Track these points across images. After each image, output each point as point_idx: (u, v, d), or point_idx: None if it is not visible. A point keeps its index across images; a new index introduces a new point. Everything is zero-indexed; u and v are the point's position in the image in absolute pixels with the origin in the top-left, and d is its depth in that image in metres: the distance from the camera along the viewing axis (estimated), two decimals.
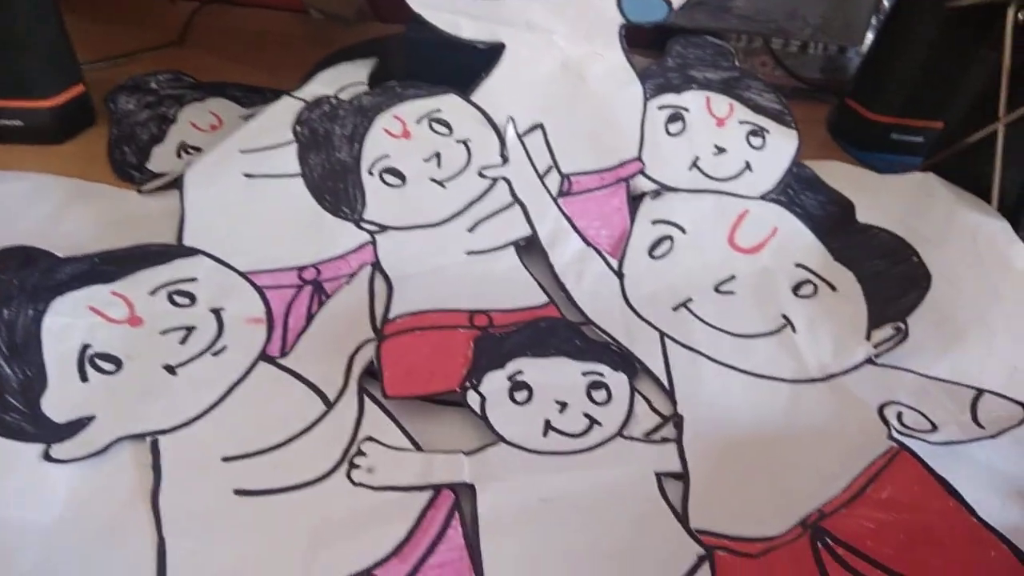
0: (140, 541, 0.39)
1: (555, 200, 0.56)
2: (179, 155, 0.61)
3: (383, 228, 0.54)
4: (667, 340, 0.51)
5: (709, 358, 0.50)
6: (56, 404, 0.42)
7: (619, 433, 0.45)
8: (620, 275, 0.54)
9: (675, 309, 0.52)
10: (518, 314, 0.51)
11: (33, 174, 0.59)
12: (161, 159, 0.61)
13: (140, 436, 0.43)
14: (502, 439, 0.44)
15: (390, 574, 0.39)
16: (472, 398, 0.45)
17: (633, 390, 0.47)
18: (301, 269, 0.52)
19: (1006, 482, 0.44)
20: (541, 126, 0.58)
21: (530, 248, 0.55)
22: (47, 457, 0.41)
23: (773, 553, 0.41)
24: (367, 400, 0.45)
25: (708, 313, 0.52)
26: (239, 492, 0.41)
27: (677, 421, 0.46)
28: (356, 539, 0.40)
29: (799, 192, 0.58)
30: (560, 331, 0.50)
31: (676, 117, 0.59)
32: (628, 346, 0.50)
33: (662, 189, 0.57)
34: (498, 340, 0.48)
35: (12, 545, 0.38)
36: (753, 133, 0.59)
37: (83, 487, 0.41)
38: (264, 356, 0.47)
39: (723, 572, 0.40)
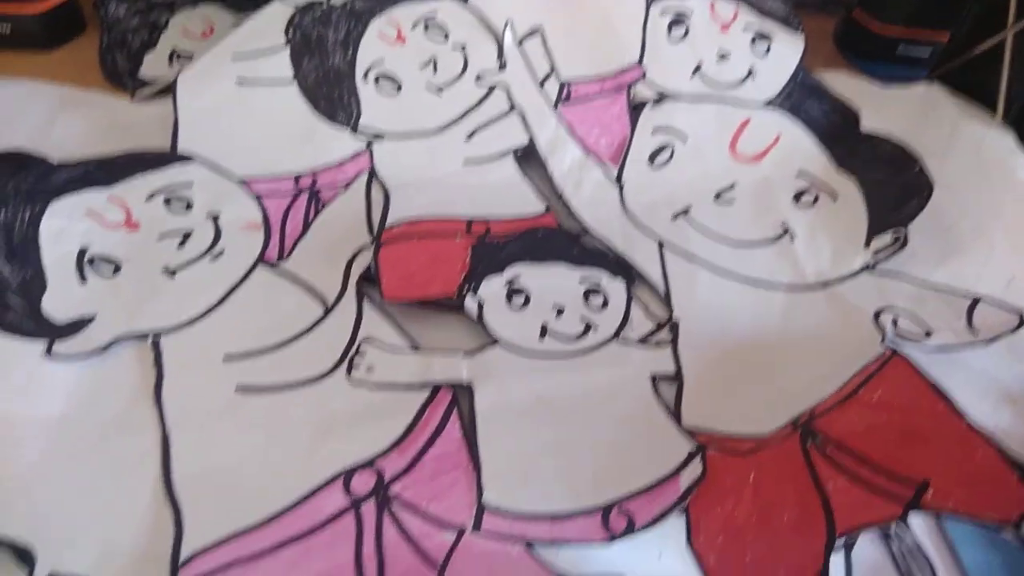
0: (144, 435, 0.40)
1: (554, 107, 0.55)
2: (171, 62, 0.60)
3: (379, 136, 0.54)
4: (665, 248, 0.51)
5: (707, 265, 0.50)
6: (56, 304, 0.43)
7: (615, 337, 0.46)
8: (619, 184, 0.54)
9: (674, 218, 0.52)
10: (516, 223, 0.51)
11: (25, 80, 0.58)
12: (153, 66, 0.59)
13: (141, 336, 0.43)
14: (499, 342, 0.45)
15: (390, 465, 0.40)
16: (470, 303, 0.46)
17: (630, 296, 0.48)
18: (297, 177, 0.51)
19: (997, 388, 0.45)
20: (540, 30, 0.57)
21: (528, 156, 0.55)
22: (49, 354, 0.41)
23: (763, 451, 0.42)
24: (366, 303, 0.46)
25: (707, 221, 0.52)
26: (241, 389, 0.42)
27: (673, 326, 0.47)
28: (357, 433, 0.41)
29: (803, 99, 0.57)
30: (558, 239, 0.50)
31: (679, 22, 0.57)
32: (626, 254, 0.50)
33: (663, 96, 0.56)
34: (496, 247, 0.48)
35: (17, 437, 0.39)
36: (758, 38, 0.58)
37: (86, 384, 0.41)
38: (262, 261, 0.47)
39: (713, 468, 0.41)
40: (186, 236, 0.47)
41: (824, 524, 0.39)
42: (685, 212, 0.53)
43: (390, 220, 0.50)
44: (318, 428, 0.41)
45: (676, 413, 0.43)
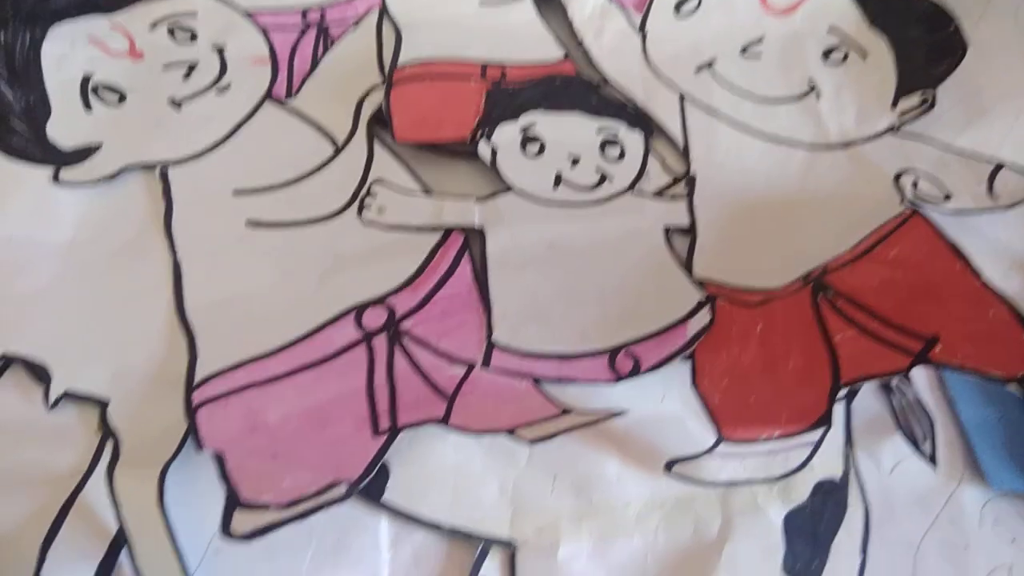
0: (155, 263, 0.40)
1: None
2: None
3: None
4: (686, 101, 0.49)
5: (728, 120, 0.48)
6: (61, 130, 0.42)
7: (630, 188, 0.45)
8: (642, 32, 0.52)
9: (697, 70, 0.50)
10: (533, 69, 0.49)
11: None
12: None
13: (149, 167, 0.42)
14: (512, 188, 0.44)
15: (402, 303, 0.40)
16: (483, 148, 0.45)
17: (647, 149, 0.46)
18: (305, 11, 0.49)
19: (1011, 254, 0.44)
20: None
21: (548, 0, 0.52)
22: (56, 180, 0.41)
23: (772, 303, 0.42)
24: (377, 145, 0.45)
25: (732, 75, 0.50)
26: (251, 223, 0.41)
27: (690, 179, 0.46)
28: (368, 271, 0.41)
29: None
30: (576, 87, 0.48)
31: None
32: (645, 106, 0.48)
33: None
34: (511, 92, 0.47)
35: (27, 260, 0.40)
36: None
37: (94, 212, 0.41)
38: (270, 97, 0.46)
39: (721, 316, 0.41)
40: (191, 68, 0.45)
41: (829, 372, 0.39)
42: (709, 65, 0.50)
43: (402, 60, 0.48)
44: (329, 264, 0.41)
45: (688, 264, 0.43)
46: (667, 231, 0.44)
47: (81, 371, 0.37)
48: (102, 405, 0.37)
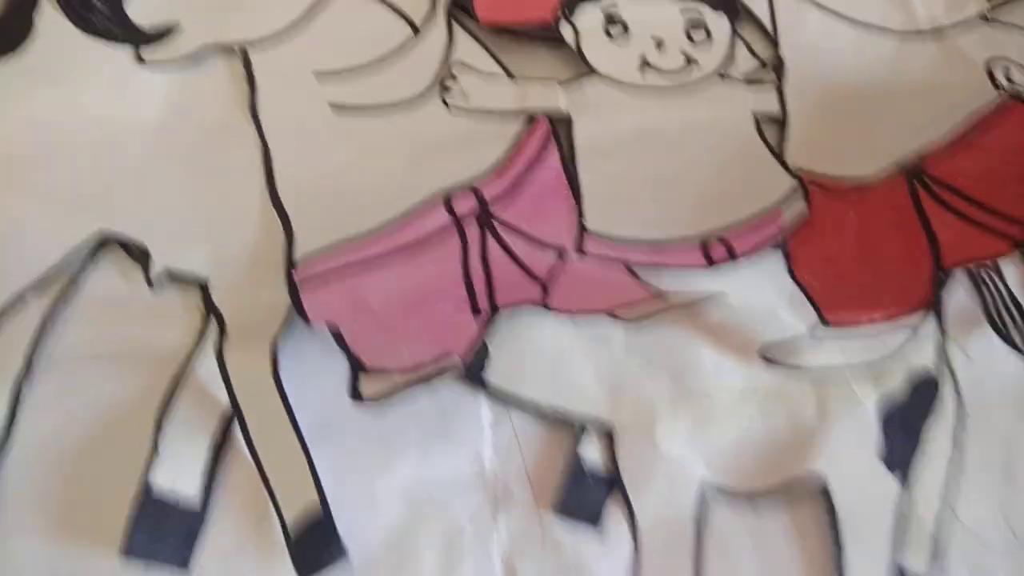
0: (243, 146, 0.40)
1: None
2: None
3: None
4: None
5: (818, 4, 0.46)
6: (140, 8, 0.41)
7: (718, 73, 0.44)
8: None
9: None
10: None
11: None
12: None
13: (229, 48, 0.41)
14: (597, 73, 0.43)
15: (490, 188, 0.39)
16: (565, 30, 0.43)
17: (734, 32, 0.45)
18: None
19: None
20: None
21: None
22: (138, 59, 0.40)
23: (867, 190, 0.41)
24: (456, 28, 0.43)
25: None
26: (335, 106, 0.41)
27: (778, 65, 0.44)
28: (454, 157, 0.40)
29: None
30: None
31: None
32: None
33: None
34: None
35: (116, 139, 0.39)
36: None
37: (180, 92, 0.41)
38: None
39: (816, 205, 0.40)
40: None
41: (930, 257, 0.39)
42: None
43: None
44: (415, 149, 0.41)
45: (779, 151, 0.42)
46: (756, 118, 0.43)
47: (179, 250, 0.37)
48: (203, 285, 0.37)
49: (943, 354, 0.39)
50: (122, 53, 0.40)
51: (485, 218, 0.39)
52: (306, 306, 0.37)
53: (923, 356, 0.39)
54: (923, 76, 0.45)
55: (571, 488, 0.36)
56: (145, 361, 0.36)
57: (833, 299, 0.39)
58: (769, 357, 0.38)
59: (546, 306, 0.38)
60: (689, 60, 0.43)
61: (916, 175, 0.41)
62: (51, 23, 0.40)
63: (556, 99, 0.42)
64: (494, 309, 0.38)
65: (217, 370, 0.36)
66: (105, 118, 0.39)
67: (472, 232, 0.39)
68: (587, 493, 0.36)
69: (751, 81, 0.44)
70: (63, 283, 0.37)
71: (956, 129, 0.42)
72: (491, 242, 0.39)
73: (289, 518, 0.34)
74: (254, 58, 0.41)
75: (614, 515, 0.36)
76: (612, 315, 0.38)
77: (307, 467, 0.34)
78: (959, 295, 0.40)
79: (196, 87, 0.41)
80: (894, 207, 0.40)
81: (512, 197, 0.40)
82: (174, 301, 0.37)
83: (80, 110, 0.39)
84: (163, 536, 0.34)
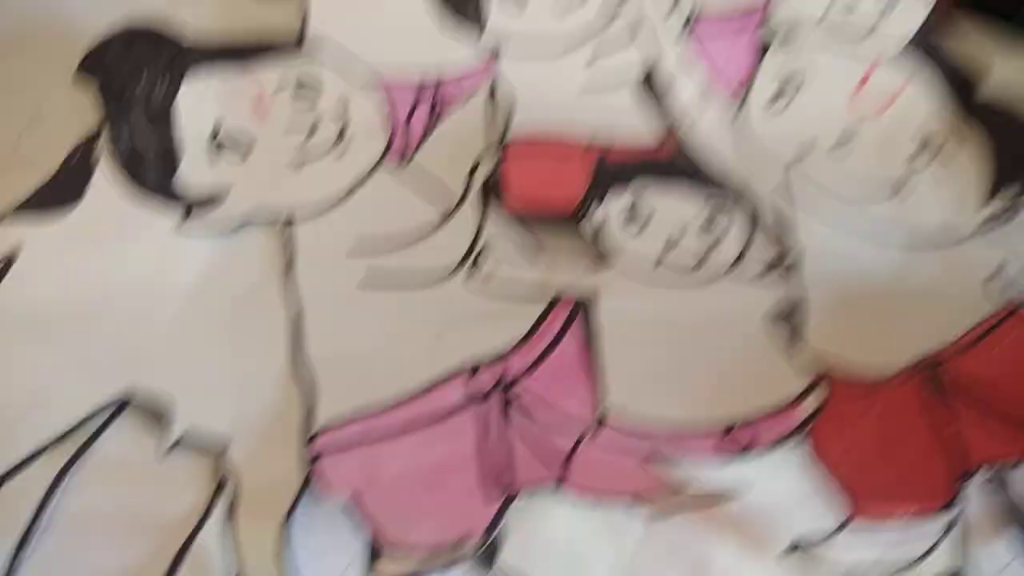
0: (274, 314, 0.41)
1: (679, 38, 0.55)
2: None
3: (500, 52, 0.53)
4: (783, 189, 0.50)
5: (824, 211, 0.49)
6: (190, 178, 0.43)
7: (732, 269, 0.45)
8: (739, 121, 0.53)
9: (792, 161, 0.52)
10: (635, 150, 0.50)
11: None
12: None
13: (270, 222, 0.43)
14: (617, 262, 0.45)
15: (513, 366, 0.40)
16: (587, 224, 0.46)
17: (748, 230, 0.47)
18: (421, 84, 0.51)
19: None
20: None
21: (648, 87, 0.54)
22: (184, 223, 0.42)
23: (886, 386, 0.42)
24: (488, 212, 0.46)
25: (826, 169, 0.51)
26: (367, 282, 0.42)
27: (789, 263, 0.46)
28: (479, 333, 0.41)
29: (928, 56, 0.56)
30: (676, 168, 0.49)
31: None
32: (744, 190, 0.49)
33: (789, 40, 0.55)
34: (615, 169, 0.48)
35: (152, 300, 0.40)
36: None
37: (217, 259, 0.42)
38: (385, 161, 0.47)
39: (835, 398, 0.41)
40: (312, 129, 0.47)
41: (950, 458, 0.39)
42: (803, 157, 0.52)
43: (511, 135, 0.49)
44: (441, 325, 0.42)
45: (800, 337, 0.43)
46: (770, 312, 0.44)
47: (202, 411, 0.37)
48: (217, 451, 0.37)
49: (968, 554, 0.38)
50: (166, 221, 0.42)
51: (505, 395, 0.40)
52: (321, 478, 0.36)
53: (948, 556, 0.38)
54: (929, 283, 0.47)
55: None
56: (151, 528, 0.35)
57: (859, 491, 0.38)
58: (800, 553, 0.37)
59: (563, 489, 0.38)
60: (706, 255, 0.46)
61: (933, 375, 0.42)
62: (102, 186, 0.42)
63: (578, 285, 0.43)
64: (512, 491, 0.37)
65: (225, 538, 0.34)
66: (143, 281, 0.41)
67: (492, 409, 0.39)
68: None
69: (763, 276, 0.46)
70: (79, 442, 0.37)
71: (968, 333, 0.43)
72: (510, 420, 0.39)
73: None
74: (293, 231, 0.43)
75: None
76: (633, 502, 0.38)
77: None
78: (982, 498, 0.39)
79: (234, 256, 0.42)
80: (913, 405, 0.41)
81: (534, 375, 0.40)
82: (186, 469, 0.37)
83: (120, 272, 0.41)
84: None
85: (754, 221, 0.47)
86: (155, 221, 0.42)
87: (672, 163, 0.50)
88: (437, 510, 0.37)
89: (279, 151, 0.46)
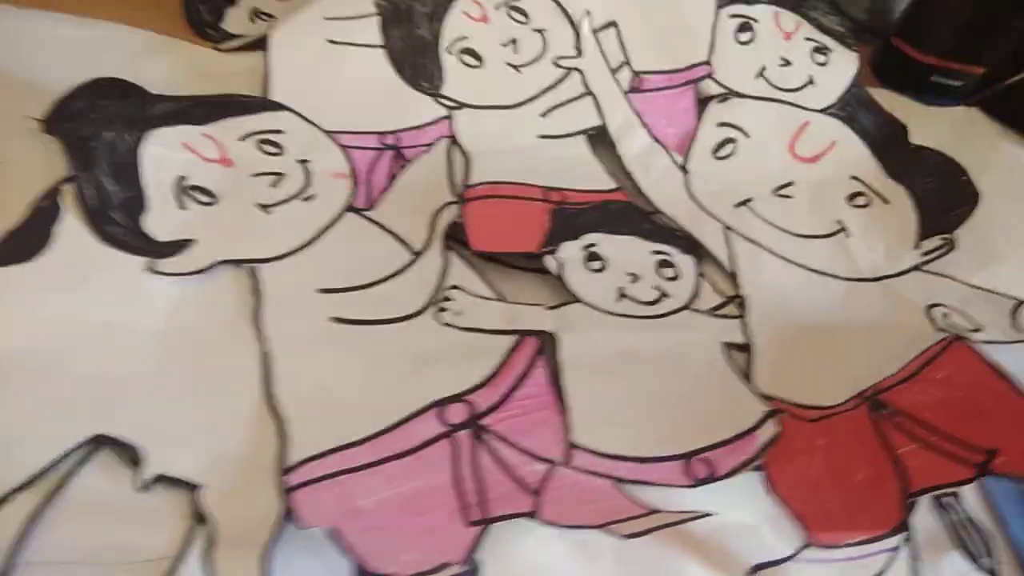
0: (245, 354, 0.41)
1: (625, 95, 0.58)
2: (252, 20, 0.61)
3: (460, 105, 0.55)
4: (730, 232, 0.53)
5: (769, 251, 0.52)
6: (158, 224, 0.44)
7: (687, 306, 0.48)
8: (685, 171, 0.56)
9: (736, 206, 0.55)
10: (590, 195, 0.53)
11: (104, 22, 0.58)
12: (235, 21, 0.61)
13: (239, 264, 0.44)
14: (579, 300, 0.47)
15: (481, 400, 0.41)
16: (550, 262, 0.47)
17: (699, 272, 0.50)
18: (382, 135, 0.53)
19: None
20: (615, 24, 0.59)
21: (600, 138, 0.57)
22: (151, 269, 0.42)
23: (832, 419, 0.44)
24: (452, 255, 0.47)
25: (768, 213, 0.54)
26: (336, 320, 0.43)
27: (741, 301, 0.49)
28: (448, 369, 0.42)
29: (857, 110, 0.60)
30: (631, 214, 0.52)
31: (746, 27, 0.60)
32: (693, 233, 0.52)
33: (729, 94, 0.59)
34: (573, 214, 0.50)
35: (121, 346, 0.40)
36: (817, 51, 0.61)
37: (186, 304, 0.42)
38: (351, 208, 0.48)
39: (787, 429, 0.42)
40: (278, 177, 0.48)
41: (897, 482, 0.41)
42: (747, 202, 0.55)
43: (471, 180, 0.51)
44: (411, 361, 0.43)
45: (749, 378, 0.45)
46: (726, 346, 0.46)
47: (174, 455, 0.37)
48: (192, 490, 0.36)
49: (919, 572, 0.40)
50: (133, 264, 0.42)
51: (476, 428, 0.40)
52: (301, 510, 0.36)
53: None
54: (872, 315, 0.50)
55: None
56: (129, 566, 0.34)
57: (812, 519, 0.40)
58: (760, 569, 0.38)
59: (538, 518, 0.39)
60: (662, 293, 0.48)
61: (876, 405, 0.44)
62: (69, 233, 0.42)
63: (543, 321, 0.45)
64: (487, 520, 0.38)
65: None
66: (111, 325, 0.41)
67: (464, 442, 0.40)
68: None
69: (718, 314, 0.48)
70: (52, 484, 0.36)
71: (907, 364, 0.46)
72: (482, 452, 0.40)
73: None
74: (261, 273, 0.44)
75: None
76: (603, 529, 0.39)
77: None
78: (925, 517, 0.41)
79: (201, 299, 0.43)
80: (859, 434, 0.43)
81: (502, 409, 0.41)
82: (161, 506, 0.36)
83: (88, 316, 0.41)
84: None
85: (702, 267, 0.50)
86: (122, 265, 0.42)
87: (625, 209, 0.52)
88: (417, 539, 0.37)
89: (246, 197, 0.47)
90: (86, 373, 0.39)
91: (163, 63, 0.56)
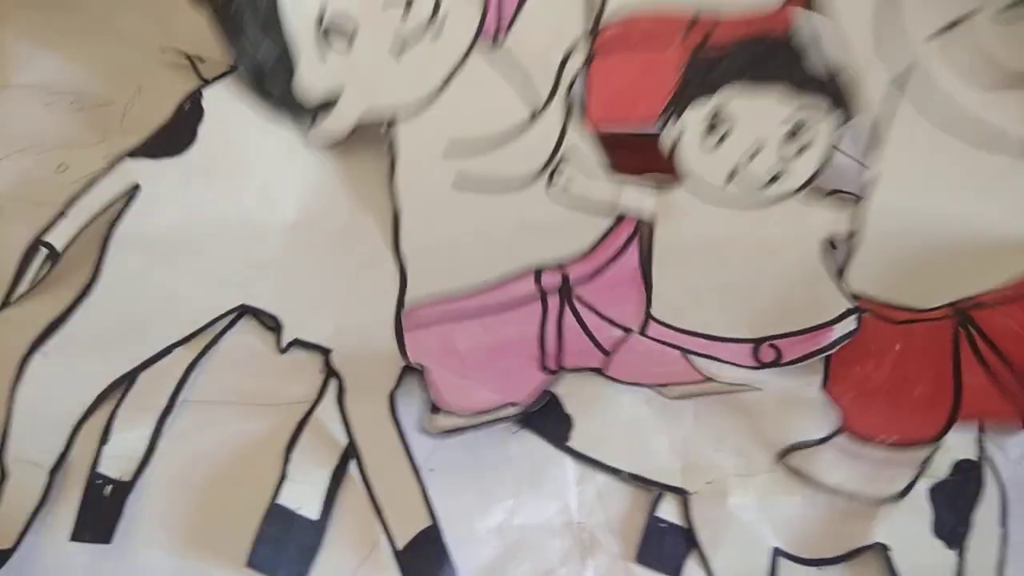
0: (368, 241, 0.48)
1: None
2: None
3: None
4: (898, 86, 0.45)
5: (938, 117, 0.44)
6: (308, 79, 0.47)
7: (803, 187, 0.45)
8: None
9: (932, 35, 0.44)
10: (745, 23, 0.46)
11: None
12: None
13: (377, 118, 0.48)
14: (687, 178, 0.46)
15: (575, 271, 0.47)
16: (666, 134, 0.46)
17: (837, 138, 0.44)
18: None
19: None
20: None
21: None
22: (310, 133, 0.48)
23: (915, 325, 0.45)
24: (571, 118, 0.47)
25: (985, 37, 0.43)
26: (458, 179, 0.47)
27: (867, 184, 0.45)
28: (550, 238, 0.47)
29: None
30: (781, 56, 0.45)
31: None
32: (857, 80, 0.44)
33: None
34: (708, 66, 0.46)
35: (257, 235, 0.48)
36: None
37: (314, 199, 0.49)
38: (478, 41, 0.47)
39: (865, 328, 0.44)
40: (408, 4, 0.47)
41: (950, 406, 0.44)
42: (953, 25, 0.43)
43: (607, 10, 0.47)
44: (517, 227, 0.47)
45: (842, 273, 0.45)
46: (827, 238, 0.45)
47: (307, 324, 0.47)
48: (325, 353, 0.47)
49: (983, 447, 0.45)
50: (270, 156, 0.48)
51: (566, 293, 0.47)
52: (408, 344, 0.47)
53: (965, 449, 0.45)
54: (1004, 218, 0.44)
55: (652, 542, 0.44)
56: (274, 408, 0.45)
57: (856, 417, 0.45)
58: (790, 458, 0.45)
59: (605, 373, 0.47)
60: (777, 175, 0.45)
61: (964, 320, 0.44)
62: (211, 131, 0.47)
63: (645, 202, 0.46)
64: (560, 370, 0.47)
65: (338, 414, 0.45)
66: (250, 219, 0.47)
67: (553, 304, 0.47)
68: (667, 548, 0.44)
69: (833, 197, 0.46)
70: (205, 340, 0.47)
71: (1016, 283, 0.43)
72: (568, 314, 0.47)
73: (402, 542, 0.42)
74: (397, 129, 0.47)
75: (694, 571, 0.43)
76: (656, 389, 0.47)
77: (421, 496, 0.43)
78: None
79: (328, 193, 0.49)
80: (936, 346, 0.44)
81: (593, 281, 0.47)
82: (300, 361, 0.47)
83: (229, 208, 0.47)
84: (285, 549, 0.41)
85: (840, 137, 0.45)
86: (258, 160, 0.48)
87: (777, 47, 0.47)
88: (494, 380, 0.46)
89: (380, 34, 0.47)
90: (230, 256, 0.47)
91: None
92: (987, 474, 0.45)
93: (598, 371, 0.47)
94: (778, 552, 0.44)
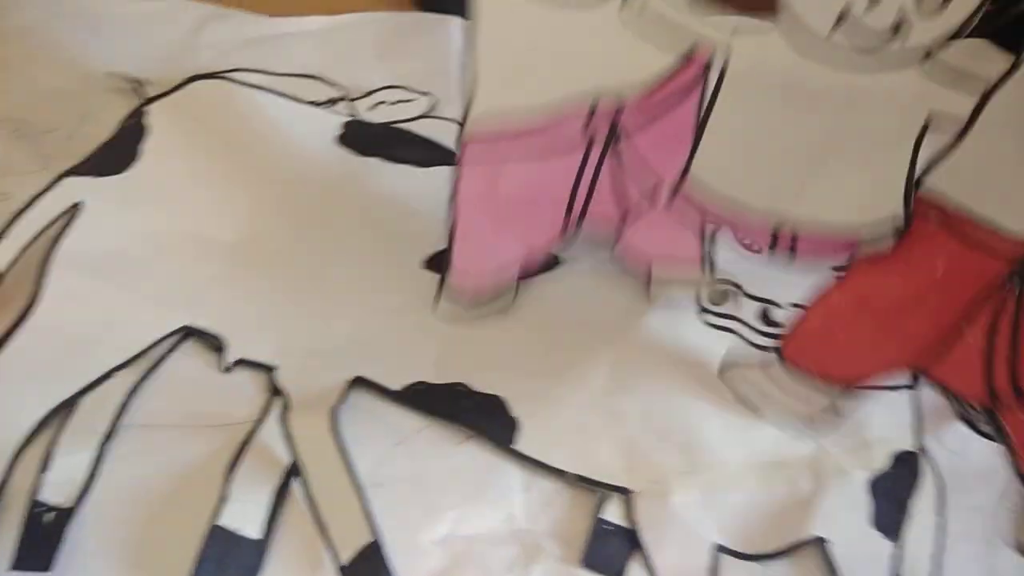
0: (309, 258, 0.49)
1: None
2: None
3: None
4: None
5: None
6: None
7: (925, 50, 0.36)
8: None
9: None
10: None
11: None
12: None
13: None
14: (784, 16, 0.37)
15: (630, 110, 0.44)
16: None
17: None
18: None
19: None
20: None
21: None
22: None
23: (971, 257, 0.39)
24: None
25: None
26: None
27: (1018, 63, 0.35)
28: (614, 67, 0.43)
29: None
30: None
31: None
32: None
33: None
34: None
35: (197, 256, 0.48)
36: None
37: (250, 219, 0.49)
38: None
39: (915, 234, 0.40)
40: None
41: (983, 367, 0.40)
42: None
43: None
44: (584, 49, 0.43)
45: (929, 166, 0.38)
46: (926, 122, 0.38)
47: (251, 342, 0.46)
48: (269, 371, 0.46)
49: (921, 438, 0.45)
50: (216, 175, 0.48)
51: (612, 141, 0.45)
52: (461, 181, 0.46)
53: (904, 440, 0.45)
54: None
55: (596, 545, 0.43)
56: (215, 430, 0.45)
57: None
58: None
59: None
60: (899, 25, 0.35)
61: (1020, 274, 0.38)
62: (154, 150, 0.47)
63: (724, 37, 0.40)
64: (578, 217, 0.47)
65: (281, 433, 0.44)
66: (192, 234, 0.47)
67: (595, 152, 0.46)
68: (612, 550, 0.43)
69: (957, 72, 0.36)
70: (148, 364, 0.46)
71: None
72: (607, 163, 0.46)
73: (345, 557, 0.41)
74: None
75: (636, 571, 0.42)
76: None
77: (362, 511, 0.42)
78: (930, 391, 0.45)
79: (271, 212, 0.49)
80: (972, 286, 0.39)
81: (645, 123, 0.45)
82: (243, 382, 0.46)
83: (172, 226, 0.47)
84: (226, 570, 0.40)
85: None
86: (205, 178, 0.48)
87: None
88: (520, 228, 0.47)
89: None
90: (173, 274, 0.46)
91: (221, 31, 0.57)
92: (924, 465, 0.44)
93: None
94: (721, 549, 0.43)
